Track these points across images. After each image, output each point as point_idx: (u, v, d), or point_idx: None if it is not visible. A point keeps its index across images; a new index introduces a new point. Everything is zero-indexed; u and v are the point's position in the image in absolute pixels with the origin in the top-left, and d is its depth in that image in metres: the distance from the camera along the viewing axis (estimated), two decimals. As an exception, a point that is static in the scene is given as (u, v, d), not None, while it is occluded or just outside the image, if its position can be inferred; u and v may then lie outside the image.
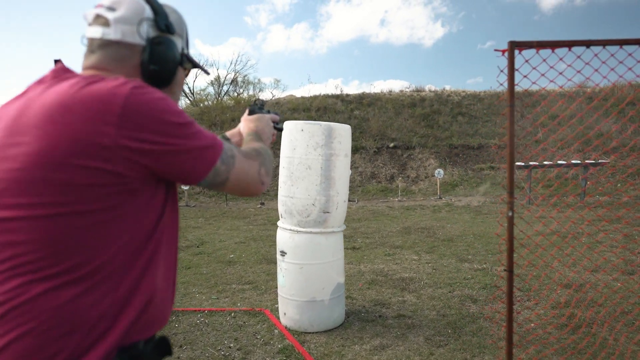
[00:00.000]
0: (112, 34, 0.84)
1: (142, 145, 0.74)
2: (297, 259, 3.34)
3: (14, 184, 0.73)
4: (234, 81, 24.29)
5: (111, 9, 0.84)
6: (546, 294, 4.08)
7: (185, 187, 12.47)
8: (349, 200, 11.88)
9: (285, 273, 3.42)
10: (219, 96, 23.43)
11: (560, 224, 6.70)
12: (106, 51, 0.85)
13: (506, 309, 2.21)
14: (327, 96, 18.68)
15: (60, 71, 0.82)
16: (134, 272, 0.80)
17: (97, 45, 0.86)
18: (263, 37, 48.25)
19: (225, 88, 24.27)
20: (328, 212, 3.32)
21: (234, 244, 6.95)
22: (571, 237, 5.77)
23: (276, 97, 22.71)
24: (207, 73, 1.12)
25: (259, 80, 28.00)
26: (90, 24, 0.86)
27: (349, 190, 12.91)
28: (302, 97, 19.10)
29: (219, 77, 24.36)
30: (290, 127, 3.39)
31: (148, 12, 0.87)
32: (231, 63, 32.17)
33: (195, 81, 35.32)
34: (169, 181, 0.86)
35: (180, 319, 3.69)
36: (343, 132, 3.36)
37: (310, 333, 3.34)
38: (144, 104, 0.74)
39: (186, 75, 1.04)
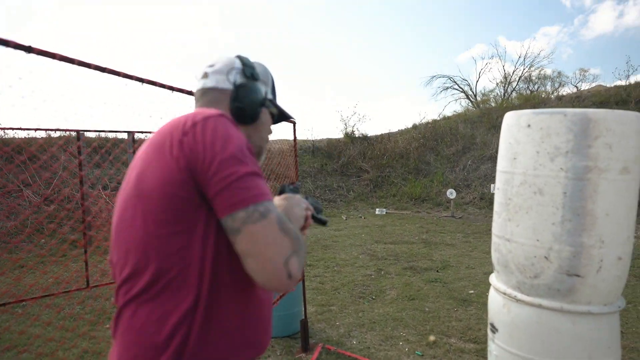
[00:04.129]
0: (209, 83, 1.04)
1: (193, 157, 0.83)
2: (514, 347, 1.97)
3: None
4: (521, 77, 21.30)
5: (211, 65, 1.06)
6: None
7: (451, 196, 11.48)
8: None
9: (496, 362, 2.09)
10: (504, 95, 21.04)
11: None
12: (206, 97, 1.04)
13: None
14: (656, 81, 13.67)
15: None
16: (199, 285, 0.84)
17: (199, 94, 1.05)
18: (583, 20, 39.64)
19: (513, 85, 21.59)
20: (577, 275, 1.80)
21: (482, 274, 5.54)
22: None
23: (579, 89, 18.48)
24: (291, 120, 1.15)
25: (559, 73, 23.55)
26: (198, 81, 1.08)
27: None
28: (616, 87, 14.69)
29: (505, 75, 21.90)
30: (510, 123, 2.03)
31: (237, 64, 1.05)
32: (519, 57, 28.33)
33: (478, 82, 33.23)
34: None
35: (360, 376, 2.88)
36: (616, 127, 1.75)
37: None
38: (207, 129, 0.86)
39: (274, 121, 1.16)
